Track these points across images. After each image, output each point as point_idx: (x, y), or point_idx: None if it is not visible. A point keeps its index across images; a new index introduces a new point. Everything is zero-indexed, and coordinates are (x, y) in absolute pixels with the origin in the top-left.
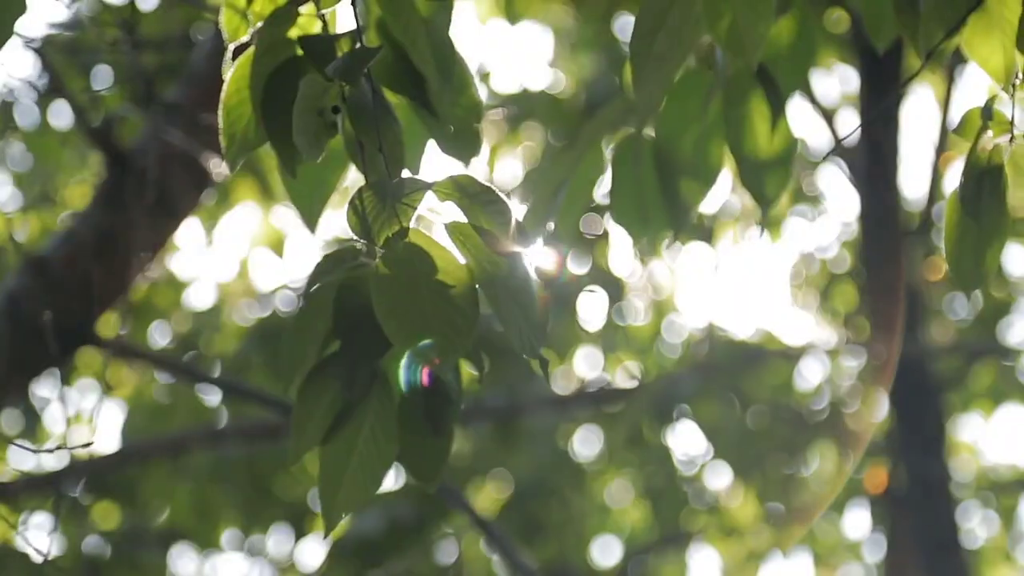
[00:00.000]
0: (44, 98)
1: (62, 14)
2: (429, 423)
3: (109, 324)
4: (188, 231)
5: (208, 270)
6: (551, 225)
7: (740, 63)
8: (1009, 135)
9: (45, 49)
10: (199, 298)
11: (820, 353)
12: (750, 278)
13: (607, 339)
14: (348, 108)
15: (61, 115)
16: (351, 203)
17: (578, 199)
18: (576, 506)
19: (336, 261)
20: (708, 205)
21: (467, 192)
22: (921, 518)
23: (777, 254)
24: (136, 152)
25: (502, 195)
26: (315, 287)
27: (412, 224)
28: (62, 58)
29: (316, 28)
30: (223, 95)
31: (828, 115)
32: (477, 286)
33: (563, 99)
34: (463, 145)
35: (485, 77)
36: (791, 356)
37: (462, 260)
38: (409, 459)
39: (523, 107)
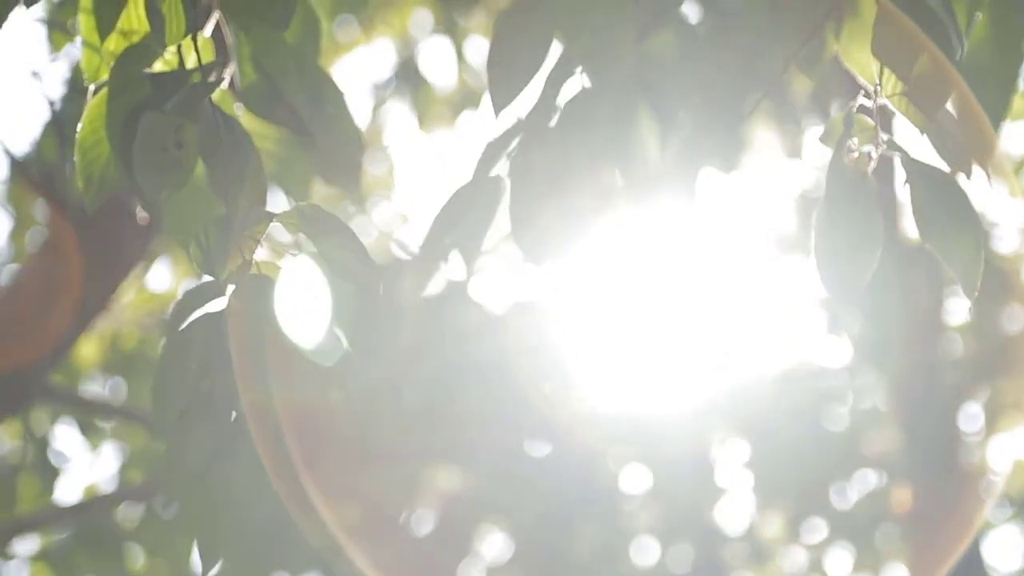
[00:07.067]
0: None
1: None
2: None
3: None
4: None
5: None
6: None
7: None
8: (875, 143)
9: None
10: None
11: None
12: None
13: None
14: (201, 143)
15: None
16: (194, 238)
17: (480, 227)
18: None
19: (198, 296)
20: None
21: (314, 222)
22: (939, 535)
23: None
24: (79, 200)
25: (347, 224)
26: (179, 325)
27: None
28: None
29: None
30: (78, 135)
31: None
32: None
33: None
34: (343, 174)
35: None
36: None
37: None
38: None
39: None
